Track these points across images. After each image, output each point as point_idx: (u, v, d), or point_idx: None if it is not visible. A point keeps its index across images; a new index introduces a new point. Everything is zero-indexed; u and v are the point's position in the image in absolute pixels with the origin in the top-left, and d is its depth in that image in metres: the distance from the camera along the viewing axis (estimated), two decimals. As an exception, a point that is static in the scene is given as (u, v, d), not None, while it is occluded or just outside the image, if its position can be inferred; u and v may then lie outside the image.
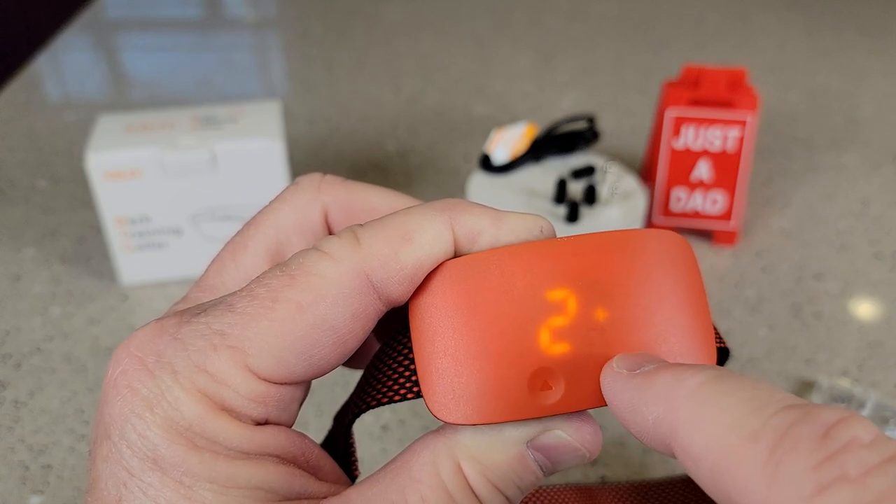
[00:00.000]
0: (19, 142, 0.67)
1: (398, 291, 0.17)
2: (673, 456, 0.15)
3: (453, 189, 0.60)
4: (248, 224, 0.22)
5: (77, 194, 0.59)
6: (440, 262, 0.18)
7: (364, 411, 0.19)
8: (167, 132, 0.47)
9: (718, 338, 0.19)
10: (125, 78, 0.82)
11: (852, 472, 0.12)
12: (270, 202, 0.22)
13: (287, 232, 0.21)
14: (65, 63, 0.83)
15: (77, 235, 0.55)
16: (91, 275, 0.51)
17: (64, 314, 0.48)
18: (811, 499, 0.12)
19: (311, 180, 0.22)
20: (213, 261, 0.21)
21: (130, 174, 0.46)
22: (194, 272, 0.50)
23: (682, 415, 0.14)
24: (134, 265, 0.49)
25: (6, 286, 0.50)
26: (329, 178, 0.22)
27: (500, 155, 0.51)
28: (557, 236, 0.19)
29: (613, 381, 0.16)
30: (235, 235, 0.22)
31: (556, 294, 0.17)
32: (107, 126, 0.48)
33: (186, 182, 0.46)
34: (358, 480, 0.18)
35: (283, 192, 0.22)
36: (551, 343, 0.17)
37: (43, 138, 0.68)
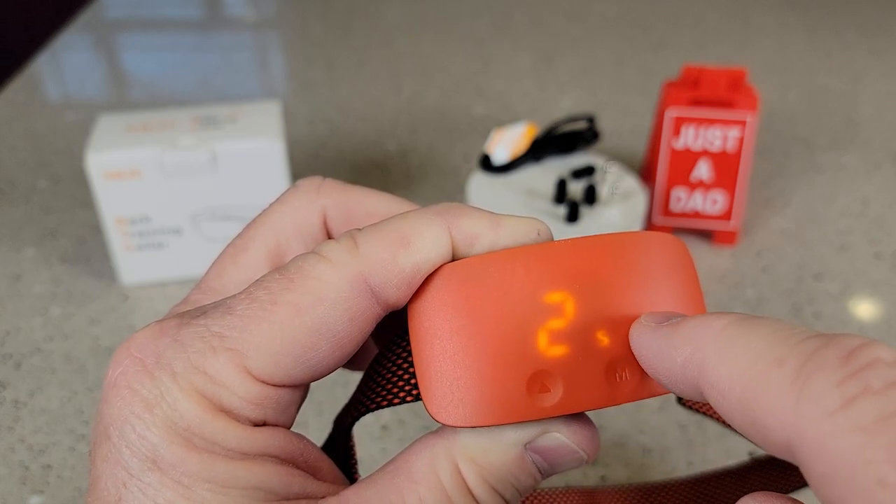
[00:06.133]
0: (19, 142, 0.67)
1: (396, 295, 0.17)
2: (702, 398, 0.15)
3: (453, 189, 0.60)
4: (248, 226, 0.22)
5: (77, 194, 0.59)
6: (438, 265, 0.18)
7: (363, 414, 0.19)
8: (167, 132, 0.47)
9: None
10: (125, 78, 0.82)
11: (876, 386, 0.12)
12: (270, 205, 0.22)
13: (286, 234, 0.22)
14: (65, 63, 0.83)
15: (77, 235, 0.55)
16: (91, 275, 0.51)
17: (64, 314, 0.48)
18: (837, 412, 0.12)
19: (311, 183, 0.22)
20: (214, 263, 0.22)
21: (130, 174, 0.46)
22: (194, 272, 0.50)
23: (709, 352, 0.15)
24: (134, 265, 0.49)
25: (6, 286, 0.50)
26: (329, 181, 0.22)
27: (500, 155, 0.51)
28: (555, 239, 0.19)
29: (642, 333, 0.17)
30: (236, 238, 0.22)
31: (554, 297, 0.17)
32: (107, 126, 0.48)
33: (186, 182, 0.46)
34: (358, 481, 0.19)
35: (282, 195, 0.22)
36: (549, 345, 0.17)
37: (43, 138, 0.68)
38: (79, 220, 0.56)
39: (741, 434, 0.14)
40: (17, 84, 0.77)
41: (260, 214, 0.22)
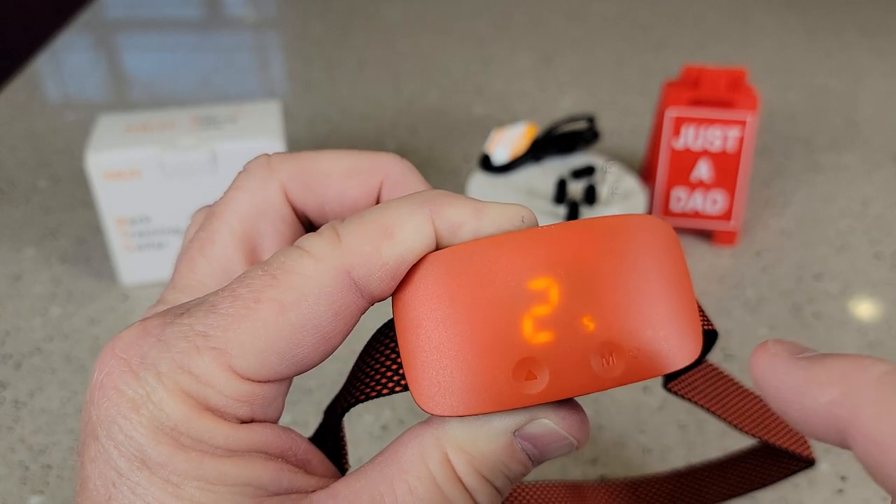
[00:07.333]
0: (19, 142, 0.67)
1: (380, 287, 0.17)
2: (842, 444, 0.14)
3: (453, 189, 0.60)
4: (209, 218, 0.22)
5: (77, 194, 0.59)
6: (422, 255, 0.18)
7: (352, 406, 0.19)
8: (167, 132, 0.47)
9: (706, 319, 0.19)
10: (125, 78, 0.82)
11: None
12: (225, 193, 0.22)
13: (250, 218, 0.21)
14: (65, 63, 0.83)
15: (77, 235, 0.55)
16: (91, 275, 0.51)
17: (64, 314, 0.48)
18: None
19: (260, 162, 0.22)
20: (182, 259, 0.21)
21: (130, 174, 0.46)
22: (194, 272, 0.50)
23: (865, 398, 0.14)
24: (134, 265, 0.49)
25: (6, 286, 0.50)
26: (277, 155, 0.22)
27: (500, 155, 0.51)
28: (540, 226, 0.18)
29: (774, 363, 0.16)
30: (199, 231, 0.22)
31: (539, 283, 0.17)
32: (107, 126, 0.48)
33: (186, 182, 0.46)
34: (348, 473, 0.19)
35: (235, 181, 0.22)
36: (534, 332, 0.17)
37: (43, 138, 0.68)
38: (79, 220, 0.56)
39: (887, 492, 0.14)
40: (17, 84, 0.77)
41: (216, 204, 0.22)
